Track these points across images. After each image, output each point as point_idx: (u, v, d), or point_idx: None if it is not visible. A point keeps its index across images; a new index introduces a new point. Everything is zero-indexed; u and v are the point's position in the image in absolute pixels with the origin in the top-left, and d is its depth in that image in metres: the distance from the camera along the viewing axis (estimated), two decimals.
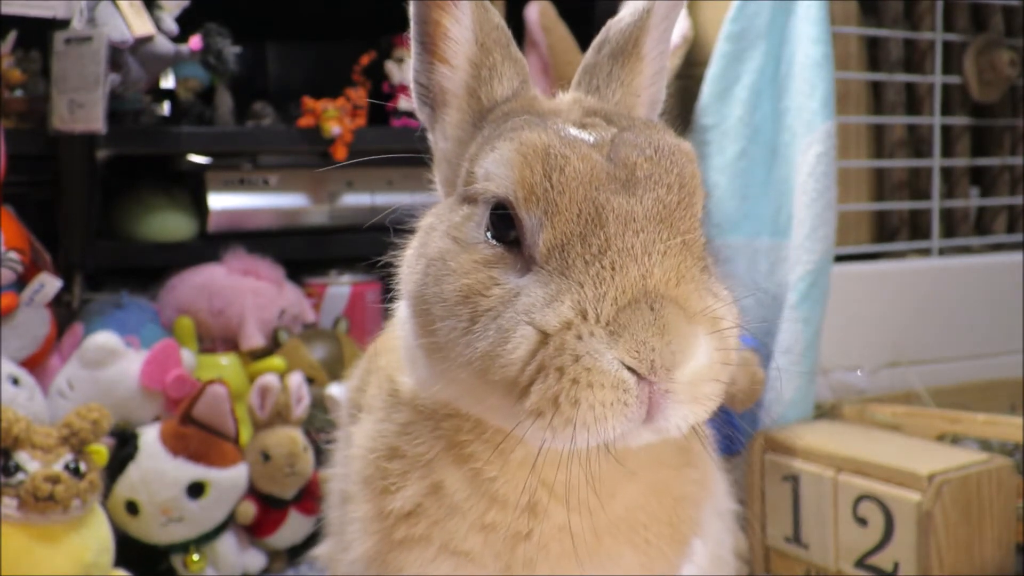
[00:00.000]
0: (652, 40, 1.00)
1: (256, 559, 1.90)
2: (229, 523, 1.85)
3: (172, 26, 2.10)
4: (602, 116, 0.91)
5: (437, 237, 0.90)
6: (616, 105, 0.98)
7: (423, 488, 0.96)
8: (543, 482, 0.92)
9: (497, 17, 1.00)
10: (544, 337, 0.77)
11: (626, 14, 1.01)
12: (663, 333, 0.75)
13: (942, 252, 2.48)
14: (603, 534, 0.94)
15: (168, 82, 2.50)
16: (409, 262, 0.93)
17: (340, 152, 2.28)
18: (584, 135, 0.86)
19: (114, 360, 1.87)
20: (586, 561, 0.95)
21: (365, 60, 2.34)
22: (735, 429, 1.84)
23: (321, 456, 1.96)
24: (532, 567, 0.94)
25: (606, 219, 0.80)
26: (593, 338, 0.76)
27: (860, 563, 1.57)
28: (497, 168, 0.85)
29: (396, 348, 1.01)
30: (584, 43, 2.18)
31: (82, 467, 1.59)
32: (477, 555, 0.95)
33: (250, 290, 2.19)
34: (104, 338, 1.86)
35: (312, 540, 1.94)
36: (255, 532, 1.92)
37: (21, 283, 1.85)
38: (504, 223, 0.85)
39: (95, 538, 1.60)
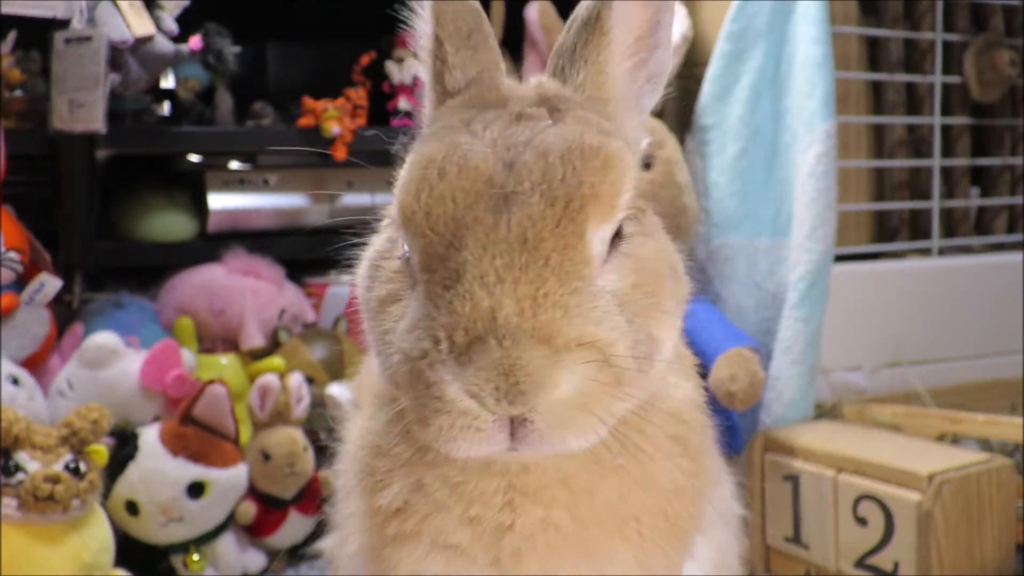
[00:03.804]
0: (619, 12, 0.93)
1: (256, 559, 1.90)
2: (229, 523, 1.85)
3: (172, 26, 2.10)
4: (549, 105, 0.88)
5: (379, 240, 0.94)
6: (580, 84, 0.94)
7: (408, 486, 0.97)
8: (511, 484, 0.92)
9: (464, 9, 0.98)
10: (408, 360, 0.79)
11: None
12: (508, 372, 0.74)
13: (942, 252, 2.49)
14: (588, 526, 0.94)
15: (168, 82, 2.50)
16: (361, 262, 0.96)
17: (340, 152, 2.28)
18: (480, 144, 0.82)
19: (114, 360, 1.87)
20: (574, 553, 0.94)
21: (365, 60, 2.34)
22: (735, 429, 1.85)
23: (321, 456, 1.96)
24: (520, 557, 0.94)
25: (466, 242, 0.78)
26: (443, 367, 0.76)
27: (860, 563, 1.57)
28: (395, 187, 0.87)
29: None
30: None
31: (82, 467, 1.59)
32: (467, 548, 0.95)
33: (250, 290, 2.19)
34: (104, 338, 1.86)
35: (312, 540, 1.94)
36: (255, 532, 1.92)
37: (21, 283, 1.85)
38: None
39: (95, 538, 1.60)
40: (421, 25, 0.98)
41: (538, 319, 0.74)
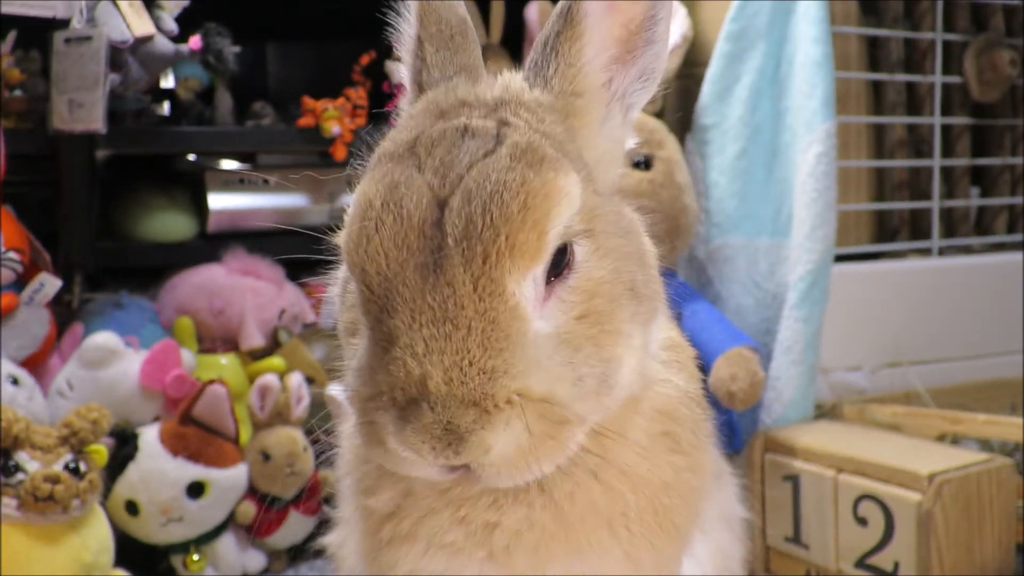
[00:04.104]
0: (596, 5, 0.91)
1: (256, 559, 1.90)
2: (229, 523, 1.85)
3: (172, 26, 2.10)
4: (500, 117, 0.88)
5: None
6: (551, 77, 0.93)
7: (398, 492, 0.98)
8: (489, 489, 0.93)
9: (449, 14, 0.98)
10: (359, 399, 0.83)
11: None
12: (441, 436, 0.77)
13: (942, 252, 2.48)
14: (572, 525, 0.94)
15: (168, 82, 2.50)
16: (336, 279, 0.96)
17: (340, 152, 2.28)
18: (420, 177, 0.82)
19: (114, 360, 1.87)
20: (562, 549, 0.95)
21: (365, 60, 2.34)
22: (735, 429, 1.85)
23: (321, 456, 1.96)
24: (509, 553, 0.95)
25: (396, 308, 0.80)
26: (387, 415, 0.79)
27: (860, 563, 1.57)
28: (344, 220, 0.88)
29: None
30: None
31: (82, 467, 1.58)
32: (463, 546, 0.96)
33: (250, 290, 2.19)
34: (104, 338, 1.86)
35: (312, 540, 1.94)
36: (255, 532, 1.92)
37: (21, 283, 1.85)
38: None
39: (95, 538, 1.60)
40: (405, 27, 1.00)
41: (466, 386, 0.77)
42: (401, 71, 1.02)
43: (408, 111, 0.96)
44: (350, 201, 0.89)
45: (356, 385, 0.83)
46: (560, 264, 0.83)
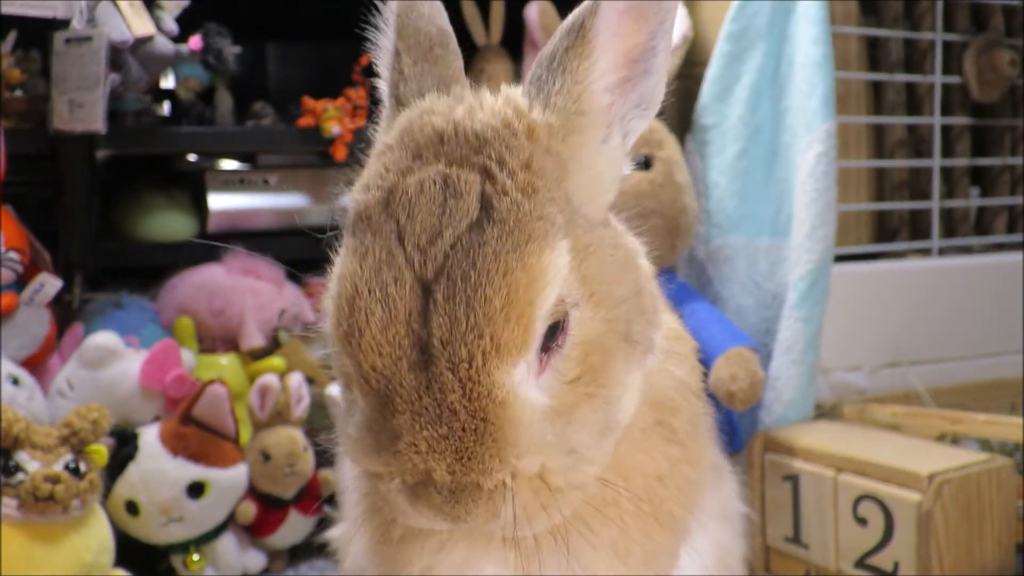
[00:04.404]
0: (605, 21, 0.89)
1: (256, 559, 1.90)
2: (229, 523, 1.85)
3: (172, 26, 2.10)
4: (484, 168, 0.83)
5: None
6: (555, 93, 0.89)
7: None
8: None
9: (429, 26, 0.96)
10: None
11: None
12: (450, 513, 0.82)
13: (942, 252, 2.48)
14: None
15: (168, 82, 2.50)
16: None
17: (340, 152, 2.28)
18: (401, 255, 0.81)
19: (114, 360, 1.87)
20: (551, 532, 0.95)
21: (365, 60, 2.34)
22: (735, 429, 1.85)
23: (321, 456, 1.96)
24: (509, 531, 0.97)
25: (397, 407, 0.81)
26: (398, 493, 0.83)
27: (860, 563, 1.57)
28: (326, 299, 0.87)
29: None
30: None
31: (82, 467, 1.59)
32: (471, 528, 0.97)
33: (250, 290, 2.19)
34: (104, 338, 1.86)
35: (312, 540, 1.94)
36: (255, 532, 1.92)
37: (21, 283, 1.85)
38: None
39: (95, 538, 1.60)
40: (383, 40, 0.98)
41: (467, 476, 0.80)
42: (380, 85, 0.99)
43: (383, 139, 0.93)
44: (332, 270, 0.88)
45: (361, 457, 0.85)
46: (554, 333, 0.83)
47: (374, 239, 0.83)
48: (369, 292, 0.81)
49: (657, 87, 0.94)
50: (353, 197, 0.89)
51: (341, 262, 0.86)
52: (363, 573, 1.11)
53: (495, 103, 0.90)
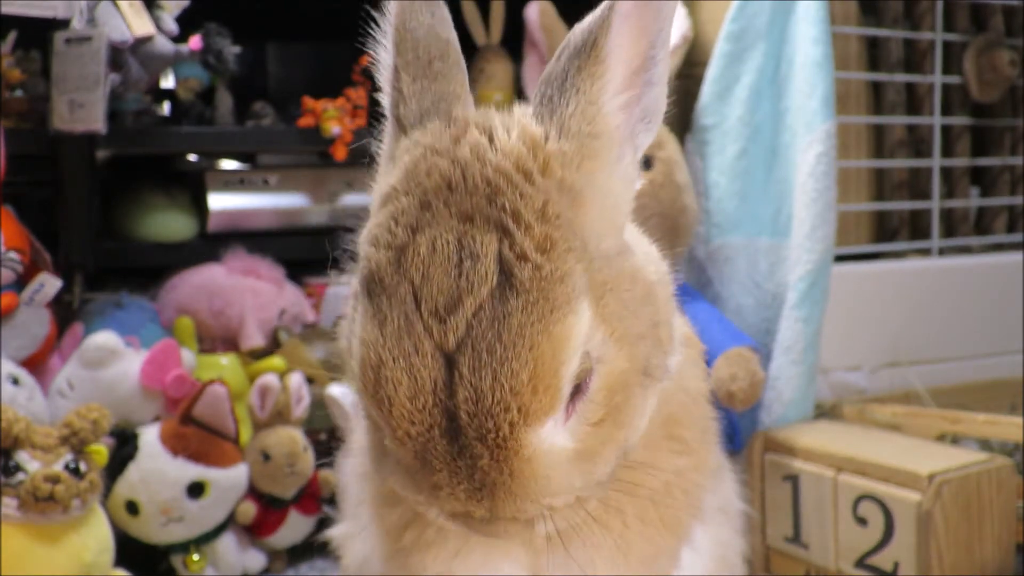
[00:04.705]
0: (616, 40, 0.86)
1: (256, 559, 1.90)
2: (229, 523, 1.85)
3: (172, 26, 2.10)
4: (500, 224, 0.80)
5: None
6: (569, 117, 0.86)
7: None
8: None
9: (429, 37, 0.92)
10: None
11: (589, 15, 0.89)
12: (494, 533, 0.85)
13: (942, 252, 2.48)
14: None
15: (168, 82, 2.50)
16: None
17: (340, 152, 2.28)
18: (420, 326, 0.79)
19: (114, 360, 1.87)
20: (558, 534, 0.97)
21: (365, 60, 2.33)
22: (735, 429, 1.85)
23: (321, 456, 1.96)
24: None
25: (434, 466, 0.81)
26: (439, 516, 0.86)
27: (860, 563, 1.57)
28: (350, 358, 0.87)
29: None
30: None
31: (82, 467, 1.59)
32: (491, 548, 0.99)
33: (250, 290, 2.19)
34: (104, 338, 1.86)
35: (312, 540, 1.94)
36: (255, 532, 1.92)
37: (21, 283, 1.85)
38: None
39: (95, 538, 1.60)
40: (382, 54, 0.95)
41: (505, 515, 0.82)
42: (382, 100, 0.97)
43: (387, 180, 0.89)
44: (347, 337, 0.88)
45: (401, 491, 0.86)
46: (580, 384, 0.83)
47: (390, 304, 0.81)
48: (393, 361, 0.80)
49: (660, 98, 0.92)
50: (363, 250, 0.87)
51: (361, 326, 0.84)
52: (369, 574, 1.11)
53: (505, 138, 0.86)
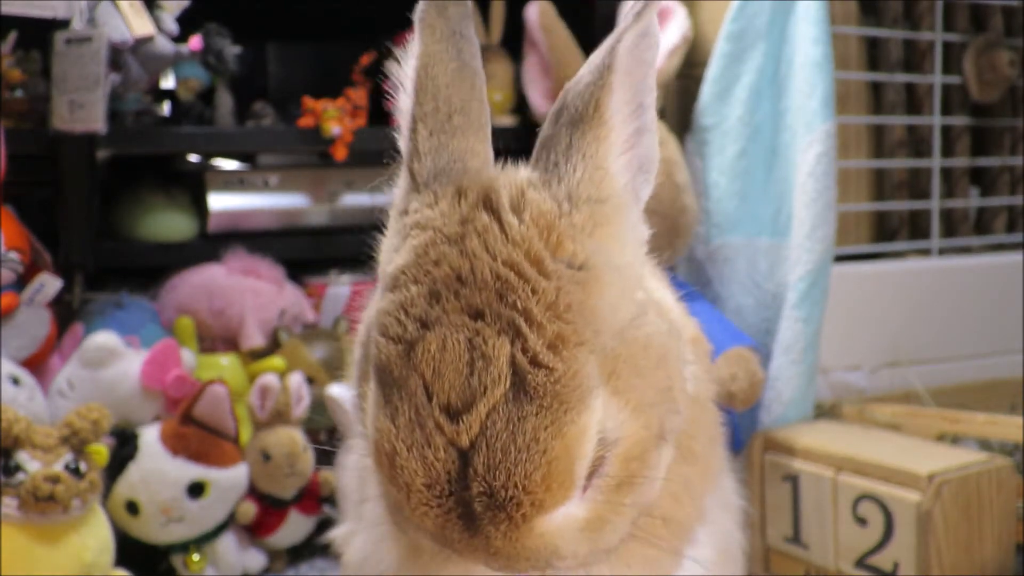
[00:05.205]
0: (618, 100, 0.85)
1: (256, 559, 1.90)
2: (229, 523, 1.85)
3: (172, 26, 2.10)
4: (512, 325, 0.78)
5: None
6: (577, 183, 0.84)
7: None
8: None
9: (453, 85, 0.89)
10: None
11: (584, 73, 0.86)
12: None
13: (942, 252, 2.49)
14: None
15: (168, 82, 2.50)
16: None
17: (340, 152, 2.28)
18: (431, 423, 0.79)
19: (114, 360, 1.87)
20: None
21: (365, 60, 2.34)
22: (735, 429, 1.85)
23: (321, 456, 1.96)
24: None
25: (452, 544, 0.82)
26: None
27: (860, 563, 1.57)
28: (369, 441, 0.86)
29: None
30: (584, 43, 2.19)
31: (82, 467, 1.59)
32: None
33: (250, 290, 2.19)
34: (104, 338, 1.86)
35: (312, 540, 1.94)
36: (255, 532, 1.92)
37: (21, 283, 1.85)
38: None
39: (95, 538, 1.60)
40: (403, 99, 0.92)
41: (517, 570, 0.83)
42: (399, 143, 0.93)
43: (397, 261, 0.86)
44: (361, 427, 0.88)
45: (421, 539, 0.86)
46: (597, 465, 0.82)
47: (401, 397, 0.80)
48: (408, 451, 0.80)
49: (652, 145, 0.90)
50: (373, 336, 0.85)
51: (373, 411, 0.84)
52: (369, 574, 1.11)
53: (514, 222, 0.82)
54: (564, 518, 0.81)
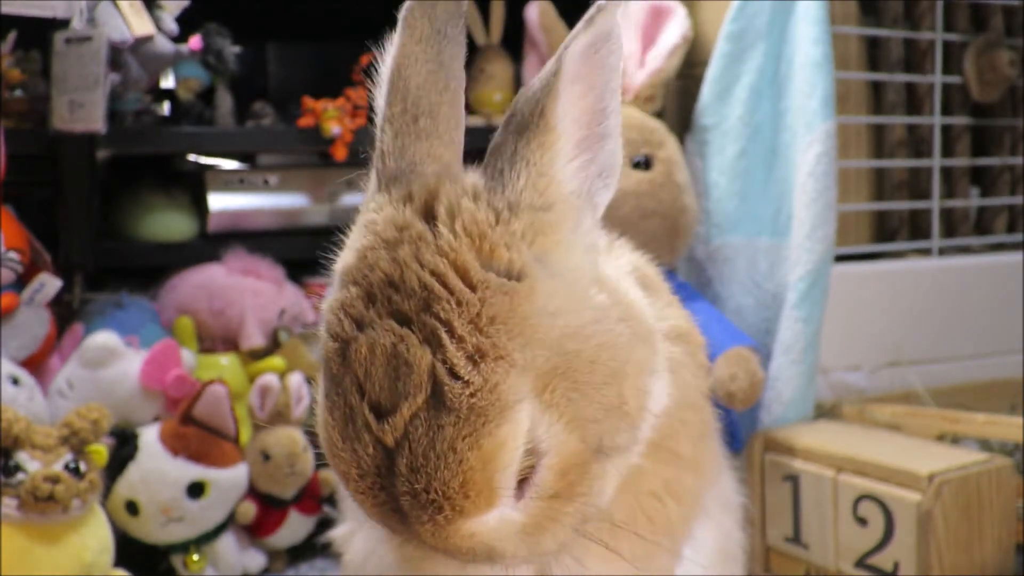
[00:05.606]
0: (565, 105, 0.83)
1: (256, 559, 1.90)
2: (229, 523, 1.85)
3: (172, 26, 2.10)
4: (433, 337, 0.79)
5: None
6: (520, 190, 0.83)
7: None
8: None
9: (423, 86, 0.89)
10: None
11: (534, 80, 0.85)
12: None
13: (942, 252, 2.48)
14: None
15: (168, 82, 2.50)
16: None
17: (340, 152, 2.28)
18: (359, 420, 0.81)
19: (114, 360, 1.87)
20: None
21: (365, 60, 2.34)
22: (735, 429, 1.85)
23: (321, 456, 1.96)
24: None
25: (392, 528, 0.85)
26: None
27: (860, 563, 1.57)
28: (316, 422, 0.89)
29: None
30: None
31: (82, 467, 1.59)
32: None
33: (250, 290, 2.19)
34: (104, 338, 1.86)
35: (312, 540, 1.94)
36: (255, 532, 1.92)
37: (21, 283, 1.85)
38: None
39: (95, 538, 1.60)
40: (378, 96, 0.92)
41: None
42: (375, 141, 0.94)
43: (353, 241, 0.89)
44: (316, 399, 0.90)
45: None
46: (527, 474, 0.83)
47: (338, 391, 0.84)
48: (343, 442, 0.83)
49: (615, 151, 0.89)
50: (320, 331, 0.89)
51: (320, 400, 0.87)
52: (376, 574, 1.12)
53: (446, 232, 0.82)
54: (500, 521, 0.82)
